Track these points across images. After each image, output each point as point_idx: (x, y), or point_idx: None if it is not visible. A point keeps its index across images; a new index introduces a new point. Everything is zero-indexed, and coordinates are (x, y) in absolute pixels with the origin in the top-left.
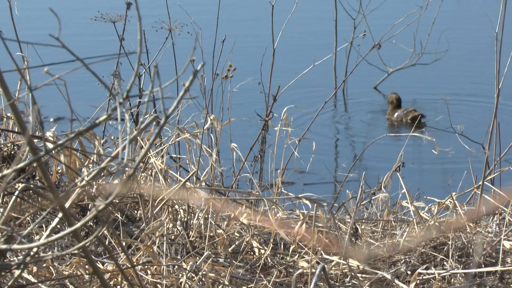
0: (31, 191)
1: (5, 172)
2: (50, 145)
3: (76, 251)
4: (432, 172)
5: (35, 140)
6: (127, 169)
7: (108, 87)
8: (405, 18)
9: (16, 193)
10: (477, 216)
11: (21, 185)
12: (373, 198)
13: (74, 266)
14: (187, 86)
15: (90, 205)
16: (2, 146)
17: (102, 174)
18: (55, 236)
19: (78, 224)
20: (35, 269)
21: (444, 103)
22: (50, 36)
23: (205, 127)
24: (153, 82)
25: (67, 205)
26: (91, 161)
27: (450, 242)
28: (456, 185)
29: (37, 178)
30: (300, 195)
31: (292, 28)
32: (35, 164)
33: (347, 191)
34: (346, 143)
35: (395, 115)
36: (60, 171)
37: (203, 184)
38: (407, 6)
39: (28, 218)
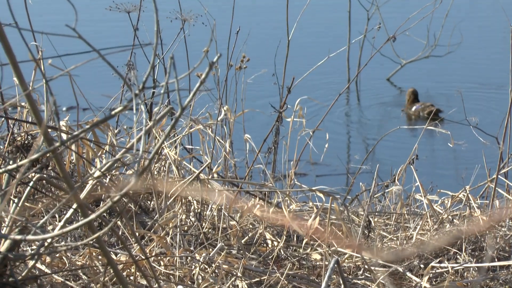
0: (44, 182)
1: (21, 162)
2: (64, 136)
3: (90, 242)
4: (445, 165)
5: (50, 131)
6: (142, 160)
7: (123, 78)
8: (417, 11)
9: (30, 184)
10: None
11: (35, 176)
12: (386, 190)
13: (87, 257)
14: (203, 78)
15: (104, 196)
16: (16, 136)
17: (116, 165)
18: (69, 227)
19: (93, 215)
20: (48, 259)
21: (458, 95)
22: (66, 26)
23: (219, 118)
24: (169, 73)
25: (82, 196)
26: (104, 152)
27: (463, 236)
28: (469, 179)
29: (50, 168)
30: (313, 188)
31: (306, 19)
32: (48, 155)
33: (360, 183)
34: (359, 135)
35: (413, 109)
36: (73, 161)
37: (216, 175)
38: None
39: (42, 209)
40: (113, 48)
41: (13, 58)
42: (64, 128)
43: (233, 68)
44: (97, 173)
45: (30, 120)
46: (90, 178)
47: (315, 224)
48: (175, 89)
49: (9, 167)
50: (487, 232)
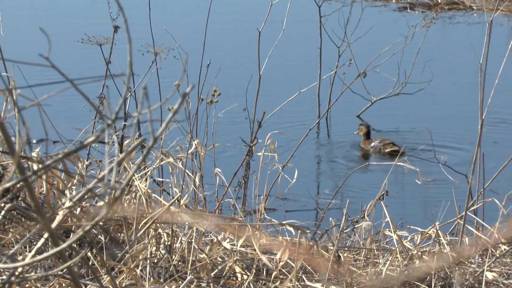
0: (14, 212)
1: None
2: (35, 166)
3: (61, 272)
4: (414, 202)
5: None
6: (113, 190)
7: (96, 108)
8: (390, 48)
9: (2, 213)
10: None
11: (7, 205)
12: (356, 226)
13: (57, 287)
14: (176, 107)
15: (74, 227)
16: None
17: (87, 195)
18: (41, 256)
19: (65, 244)
20: None
21: (427, 132)
22: (39, 55)
23: (189, 152)
24: (142, 103)
25: (53, 225)
26: (74, 183)
27: (433, 272)
28: (439, 215)
29: (20, 199)
30: (284, 222)
31: (277, 54)
32: (19, 185)
33: (330, 218)
34: (329, 170)
35: (372, 145)
36: (43, 192)
37: (184, 207)
38: (391, 36)
39: (11, 239)
40: (86, 79)
41: None
42: (35, 159)
43: (204, 101)
44: (69, 203)
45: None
46: (61, 208)
47: (284, 257)
48: (148, 120)
49: None
50: (456, 268)
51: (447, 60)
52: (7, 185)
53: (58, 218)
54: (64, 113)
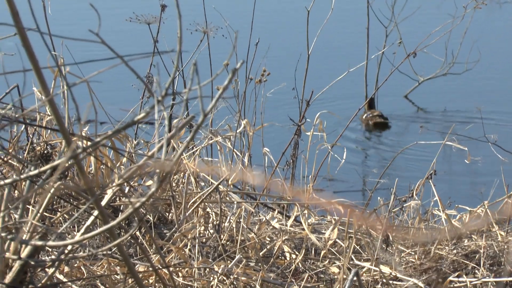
0: (62, 192)
1: (43, 168)
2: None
3: (110, 250)
4: (463, 181)
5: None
6: (163, 167)
7: (146, 84)
8: (437, 29)
9: (51, 191)
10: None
11: (56, 183)
12: (404, 205)
13: (105, 267)
14: (226, 83)
15: (122, 206)
16: (35, 145)
17: (137, 174)
18: (91, 233)
19: (115, 221)
20: (67, 269)
21: (476, 112)
22: (89, 31)
23: (238, 131)
24: (192, 79)
25: (103, 203)
26: (122, 162)
27: (481, 251)
28: (487, 194)
29: (68, 179)
30: (332, 200)
31: (325, 34)
32: (67, 164)
33: (378, 198)
34: (376, 150)
35: (364, 116)
36: (91, 171)
37: (232, 187)
38: (438, 15)
39: (60, 219)
40: (135, 55)
41: (36, 64)
42: (84, 137)
43: (253, 81)
44: (118, 181)
45: (48, 128)
46: (111, 185)
47: (333, 236)
48: (196, 97)
49: (31, 173)
50: (506, 247)
51: (494, 40)
52: (57, 162)
53: (108, 196)
54: (111, 92)
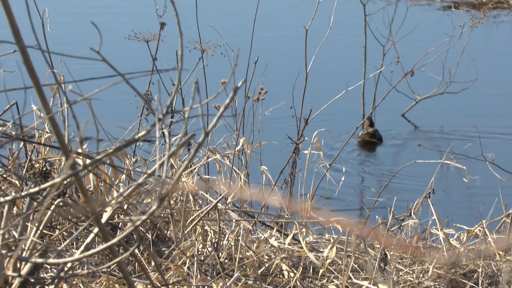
0: (62, 208)
1: (43, 185)
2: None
3: (110, 268)
4: (460, 199)
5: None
6: (163, 185)
7: (148, 103)
8: (435, 47)
9: (51, 208)
10: (507, 244)
11: (56, 201)
12: (402, 224)
13: (104, 284)
14: (228, 102)
15: (120, 224)
16: (34, 162)
17: (136, 191)
18: (91, 251)
19: (115, 239)
20: (65, 286)
21: (473, 130)
22: (90, 49)
23: (236, 149)
24: (193, 98)
25: (103, 220)
26: (121, 179)
27: (480, 270)
28: (485, 214)
29: (67, 196)
30: (331, 219)
31: (323, 53)
32: (66, 182)
33: (377, 216)
34: (374, 169)
35: (360, 133)
36: (91, 189)
37: (231, 206)
38: (436, 35)
39: (59, 236)
40: (135, 73)
41: (37, 81)
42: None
43: (251, 99)
44: (118, 199)
45: (48, 146)
46: (110, 203)
47: (331, 255)
48: (194, 116)
49: (31, 190)
50: (504, 266)
51: (491, 60)
52: (58, 179)
53: (107, 213)
54: (109, 110)
